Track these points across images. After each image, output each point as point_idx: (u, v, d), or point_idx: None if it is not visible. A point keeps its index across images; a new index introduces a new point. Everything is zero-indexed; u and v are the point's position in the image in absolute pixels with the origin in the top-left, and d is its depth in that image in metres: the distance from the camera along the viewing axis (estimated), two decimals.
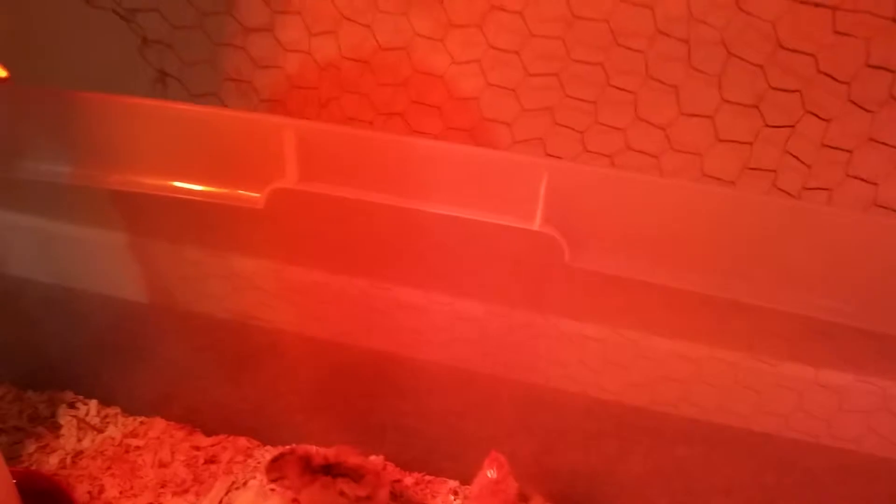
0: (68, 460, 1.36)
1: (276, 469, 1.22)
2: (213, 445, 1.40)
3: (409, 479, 1.33)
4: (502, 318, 1.16)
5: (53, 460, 1.35)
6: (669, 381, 1.15)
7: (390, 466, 1.35)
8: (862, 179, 0.95)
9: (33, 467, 1.33)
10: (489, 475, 1.14)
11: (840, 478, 1.15)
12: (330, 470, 1.17)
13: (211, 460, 1.37)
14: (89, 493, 1.29)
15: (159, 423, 1.44)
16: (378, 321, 1.24)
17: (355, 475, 1.17)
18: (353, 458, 1.19)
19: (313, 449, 1.21)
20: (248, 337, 1.33)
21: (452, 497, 1.30)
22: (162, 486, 1.31)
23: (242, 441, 1.40)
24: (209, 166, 1.14)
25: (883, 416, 1.09)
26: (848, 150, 0.94)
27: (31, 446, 1.38)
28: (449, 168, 1.04)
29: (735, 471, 1.20)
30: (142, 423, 1.45)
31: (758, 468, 1.19)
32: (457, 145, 1.06)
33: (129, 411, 1.47)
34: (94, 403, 1.47)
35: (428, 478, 1.34)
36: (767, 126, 0.95)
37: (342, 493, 1.16)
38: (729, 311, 1.07)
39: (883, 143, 0.92)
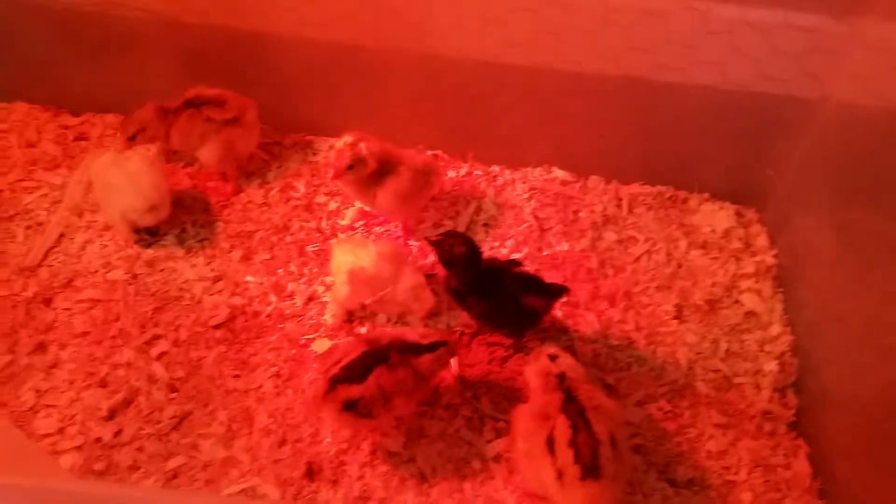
0: None
1: (132, 124, 1.21)
2: (81, 124, 1.37)
3: (287, 140, 1.34)
4: None
5: None
6: (545, 33, 1.14)
7: (268, 130, 1.35)
8: None
9: None
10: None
11: (702, 114, 1.19)
12: (192, 103, 1.20)
13: (81, 137, 1.35)
14: None
15: (22, 107, 1.39)
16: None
17: (218, 102, 1.20)
18: (210, 91, 1.21)
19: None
20: (107, 25, 1.25)
21: (332, 152, 1.31)
22: (32, 164, 1.30)
23: (111, 117, 1.37)
24: None
25: (745, 35, 1.10)
26: None
27: None
28: None
29: (610, 115, 1.23)
30: (3, 108, 1.39)
31: (630, 111, 1.22)
32: None
33: None
34: None
35: (308, 138, 1.35)
36: None
37: (208, 119, 1.19)
38: None
39: None
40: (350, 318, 1.11)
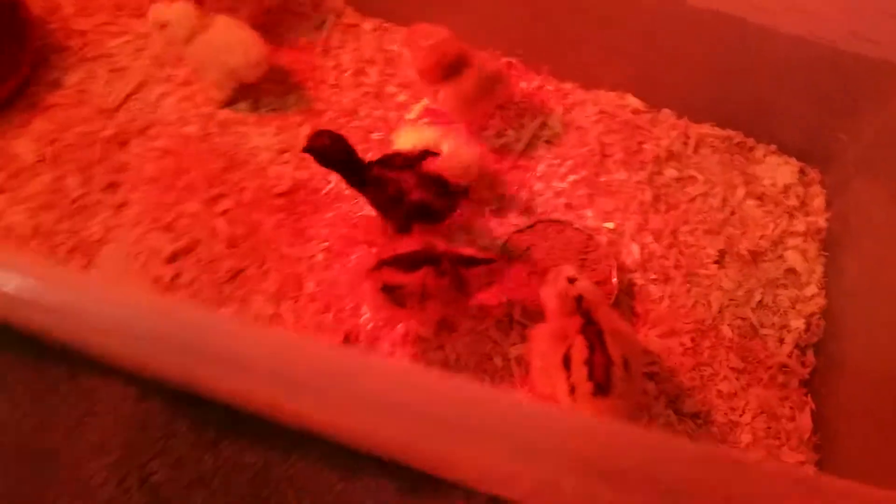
0: None
1: None
2: None
3: (366, 24, 1.42)
4: None
5: None
6: None
7: (349, 10, 1.43)
8: None
9: None
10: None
11: (788, 64, 1.23)
12: None
13: None
14: (44, 8, 1.38)
15: None
16: None
17: None
18: None
19: None
20: None
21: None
22: (118, 9, 1.41)
23: None
24: None
25: None
26: None
27: None
28: None
29: (695, 50, 1.27)
30: None
31: (716, 49, 1.25)
32: None
33: None
34: None
35: (386, 25, 1.43)
36: None
37: None
38: None
39: None
40: None
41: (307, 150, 1.08)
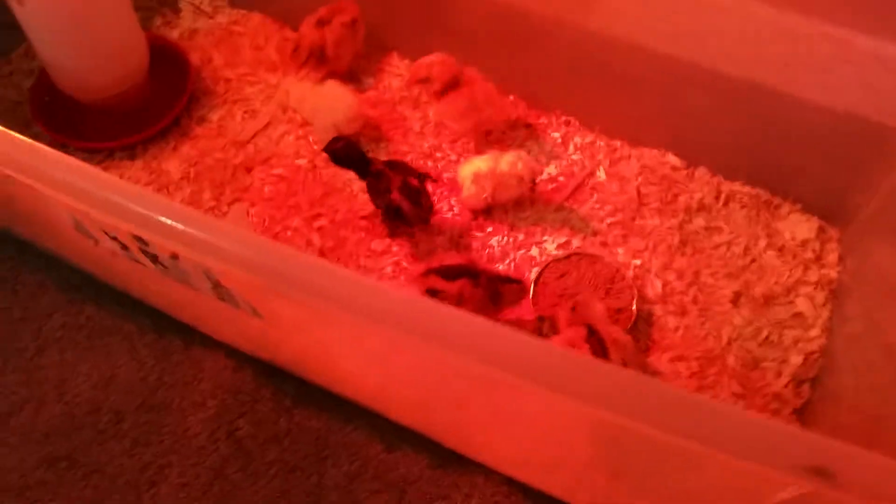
0: (186, 35, 1.82)
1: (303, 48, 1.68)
2: (299, 38, 1.80)
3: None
4: None
5: (175, 34, 1.82)
6: (697, 31, 1.39)
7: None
8: None
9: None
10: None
11: (816, 132, 1.40)
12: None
13: (297, 49, 1.79)
14: (201, 59, 1.76)
15: (257, 17, 1.85)
16: None
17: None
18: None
19: None
20: None
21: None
22: (257, 64, 1.76)
23: None
24: None
25: (874, 69, 1.30)
26: None
27: (157, 21, 1.84)
28: None
29: (733, 116, 1.46)
30: (243, 15, 1.86)
31: (751, 117, 1.44)
32: None
33: (234, 5, 1.88)
34: None
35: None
36: None
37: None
38: None
39: None
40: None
41: (325, 150, 1.39)
